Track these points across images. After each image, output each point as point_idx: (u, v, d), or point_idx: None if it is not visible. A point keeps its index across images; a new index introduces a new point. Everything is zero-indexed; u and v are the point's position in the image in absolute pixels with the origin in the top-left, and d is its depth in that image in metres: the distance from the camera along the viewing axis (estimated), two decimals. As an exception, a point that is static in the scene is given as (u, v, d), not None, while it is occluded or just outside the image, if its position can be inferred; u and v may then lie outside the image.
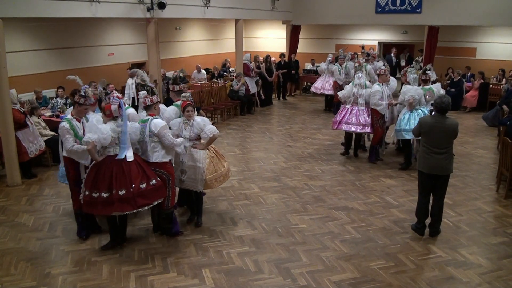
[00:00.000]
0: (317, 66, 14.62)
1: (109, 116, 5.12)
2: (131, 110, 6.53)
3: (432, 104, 5.85)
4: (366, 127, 8.50)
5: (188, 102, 5.81)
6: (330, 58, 13.31)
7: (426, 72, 8.40)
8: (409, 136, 7.80)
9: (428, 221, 5.83)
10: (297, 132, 11.18)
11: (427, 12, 14.15)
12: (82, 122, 5.54)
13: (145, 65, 13.07)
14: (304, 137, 10.69)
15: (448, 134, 5.50)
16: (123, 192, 4.97)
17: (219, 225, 6.05)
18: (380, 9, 14.88)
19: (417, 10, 14.28)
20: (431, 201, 5.79)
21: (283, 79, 15.50)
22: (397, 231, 5.94)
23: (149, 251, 5.42)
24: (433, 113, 5.78)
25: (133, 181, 5.01)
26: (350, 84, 8.92)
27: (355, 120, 8.57)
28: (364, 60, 11.93)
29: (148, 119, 5.38)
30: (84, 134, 5.27)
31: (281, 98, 15.78)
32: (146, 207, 5.19)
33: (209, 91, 12.63)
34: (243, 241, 5.64)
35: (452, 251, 5.43)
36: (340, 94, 9.05)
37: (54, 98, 9.98)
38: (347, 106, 8.74)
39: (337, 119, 8.81)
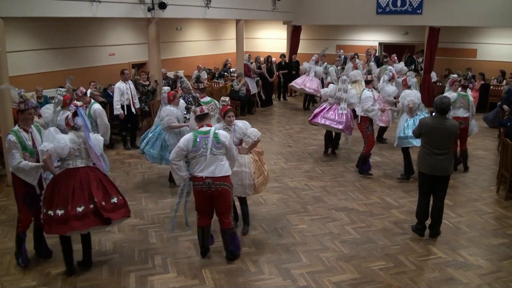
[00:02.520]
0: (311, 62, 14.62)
1: (67, 125, 4.80)
2: (97, 106, 6.59)
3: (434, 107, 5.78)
4: (340, 124, 8.45)
5: (229, 107, 5.58)
6: (315, 58, 13.66)
7: (468, 77, 8.31)
8: (417, 142, 7.38)
9: (428, 222, 5.83)
10: (297, 133, 11.18)
11: (428, 13, 14.14)
12: (31, 133, 4.95)
13: (145, 65, 13.08)
14: (305, 138, 10.69)
15: (448, 135, 5.51)
16: (82, 208, 4.52)
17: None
18: (380, 10, 14.87)
19: (418, 11, 14.27)
20: (431, 202, 5.79)
21: (284, 80, 15.50)
22: (397, 232, 5.94)
23: (149, 251, 5.42)
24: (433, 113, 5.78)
25: (94, 195, 4.58)
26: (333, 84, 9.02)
27: (331, 115, 8.55)
28: (385, 60, 12.19)
29: (209, 130, 4.96)
30: (34, 146, 4.87)
31: (281, 99, 15.79)
32: (108, 225, 4.75)
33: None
34: (243, 241, 5.64)
35: (452, 252, 5.43)
36: (323, 91, 9.14)
37: (54, 98, 9.96)
38: (325, 104, 8.78)
39: (315, 112, 8.87)
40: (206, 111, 5.09)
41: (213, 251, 5.40)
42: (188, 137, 4.96)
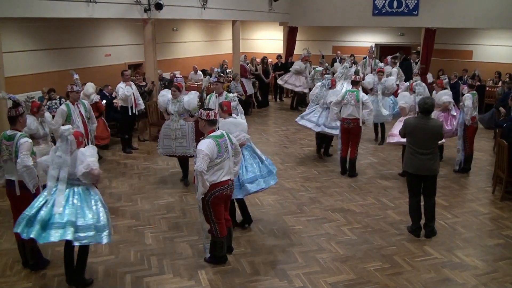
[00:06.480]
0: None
1: None
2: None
3: (418, 107, 5.84)
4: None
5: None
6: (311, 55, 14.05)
7: (475, 77, 8.35)
8: None
9: (422, 221, 5.85)
10: (293, 134, 11.19)
11: (424, 15, 14.19)
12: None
13: (141, 66, 13.06)
14: (301, 139, 10.70)
15: (431, 135, 5.57)
16: None
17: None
18: (377, 11, 14.91)
19: (414, 12, 14.31)
20: (423, 202, 5.82)
21: (280, 81, 15.52)
22: (393, 233, 5.95)
23: (145, 252, 5.40)
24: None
25: None
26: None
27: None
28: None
29: (223, 133, 4.92)
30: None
31: (277, 100, 15.80)
32: None
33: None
34: (239, 242, 5.63)
35: (448, 253, 5.44)
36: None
37: (48, 100, 9.90)
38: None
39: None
40: (213, 117, 4.84)
41: (208, 251, 5.38)
42: (209, 144, 4.69)
